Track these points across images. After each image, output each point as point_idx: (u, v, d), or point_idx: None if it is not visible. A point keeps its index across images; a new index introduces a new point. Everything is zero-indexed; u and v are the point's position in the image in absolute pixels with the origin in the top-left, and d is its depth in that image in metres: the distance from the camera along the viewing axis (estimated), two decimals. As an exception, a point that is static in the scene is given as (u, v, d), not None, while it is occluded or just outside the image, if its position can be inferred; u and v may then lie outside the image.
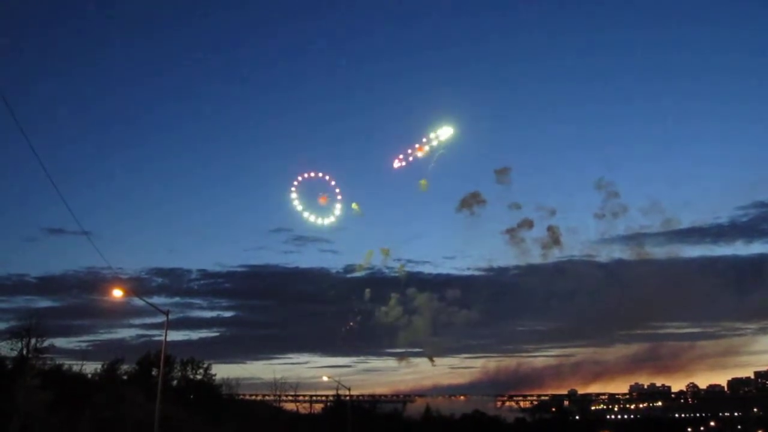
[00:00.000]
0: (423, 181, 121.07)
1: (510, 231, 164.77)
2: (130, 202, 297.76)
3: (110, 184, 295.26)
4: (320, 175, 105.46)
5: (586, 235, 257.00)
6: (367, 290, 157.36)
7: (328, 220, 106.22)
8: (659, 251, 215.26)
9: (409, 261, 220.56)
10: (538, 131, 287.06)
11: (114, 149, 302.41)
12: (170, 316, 45.79)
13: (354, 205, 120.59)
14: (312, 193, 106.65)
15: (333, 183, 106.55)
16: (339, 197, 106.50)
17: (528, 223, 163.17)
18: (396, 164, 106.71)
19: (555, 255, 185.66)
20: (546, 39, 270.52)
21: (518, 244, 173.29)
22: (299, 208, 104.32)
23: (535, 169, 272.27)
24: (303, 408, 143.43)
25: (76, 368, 79.70)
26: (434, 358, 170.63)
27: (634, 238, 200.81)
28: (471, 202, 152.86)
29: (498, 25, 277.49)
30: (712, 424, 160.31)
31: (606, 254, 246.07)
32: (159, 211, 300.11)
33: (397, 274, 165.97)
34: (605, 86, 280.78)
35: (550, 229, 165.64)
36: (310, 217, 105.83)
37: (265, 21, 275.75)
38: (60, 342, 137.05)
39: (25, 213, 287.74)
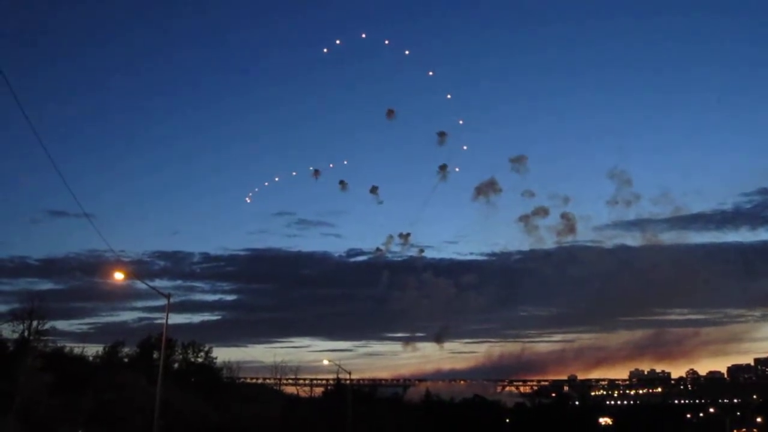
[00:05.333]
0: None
1: (524, 218, 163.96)
2: (133, 185, 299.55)
3: (113, 167, 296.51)
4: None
5: (596, 222, 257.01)
6: (385, 272, 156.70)
7: None
8: (665, 237, 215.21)
9: (411, 246, 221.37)
10: (554, 121, 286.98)
11: (117, 133, 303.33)
12: (172, 300, 45.55)
13: (372, 190, 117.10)
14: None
15: None
16: None
17: (543, 211, 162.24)
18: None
19: (560, 241, 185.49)
20: (561, 30, 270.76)
21: (531, 231, 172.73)
22: None
23: (550, 157, 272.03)
24: (303, 392, 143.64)
25: (77, 351, 79.62)
26: (441, 342, 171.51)
27: (638, 224, 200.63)
28: (487, 189, 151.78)
29: (513, 16, 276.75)
30: (711, 410, 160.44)
31: (612, 240, 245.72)
32: (162, 194, 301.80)
33: (399, 259, 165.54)
34: (619, 77, 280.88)
35: (564, 216, 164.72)
36: None
37: (268, 12, 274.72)
38: (61, 324, 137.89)
39: (27, 196, 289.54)
